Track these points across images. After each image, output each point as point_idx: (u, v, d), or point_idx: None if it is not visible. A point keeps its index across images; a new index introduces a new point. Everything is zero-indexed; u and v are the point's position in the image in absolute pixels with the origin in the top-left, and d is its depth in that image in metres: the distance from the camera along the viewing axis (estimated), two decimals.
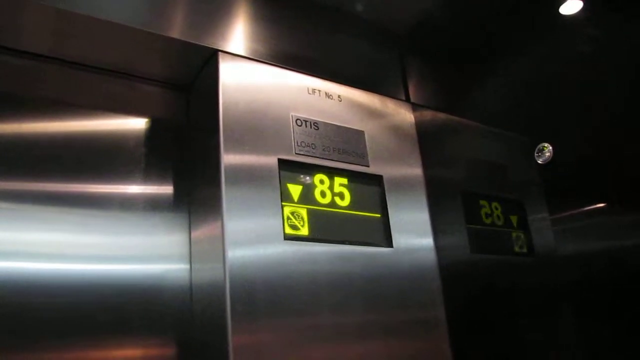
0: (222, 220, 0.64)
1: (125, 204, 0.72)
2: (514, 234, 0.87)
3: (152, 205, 0.74)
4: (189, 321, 0.70)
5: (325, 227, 0.72)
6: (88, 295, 0.65)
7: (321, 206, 0.73)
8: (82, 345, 0.64)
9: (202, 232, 0.71)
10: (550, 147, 0.70)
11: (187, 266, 0.73)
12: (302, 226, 0.70)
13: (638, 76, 0.62)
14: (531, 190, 0.79)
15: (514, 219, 0.87)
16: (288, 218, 0.69)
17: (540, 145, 0.71)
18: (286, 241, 0.67)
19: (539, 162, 0.71)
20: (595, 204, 0.67)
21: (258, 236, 0.66)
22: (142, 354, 0.67)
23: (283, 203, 0.69)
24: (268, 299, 0.64)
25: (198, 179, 0.74)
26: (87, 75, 0.75)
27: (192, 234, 0.74)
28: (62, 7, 0.64)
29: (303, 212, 0.71)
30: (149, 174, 0.75)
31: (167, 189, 0.76)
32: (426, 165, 0.85)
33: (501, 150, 0.85)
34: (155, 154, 0.76)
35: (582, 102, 0.68)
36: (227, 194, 0.65)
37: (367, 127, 0.82)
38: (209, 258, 0.67)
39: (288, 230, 0.68)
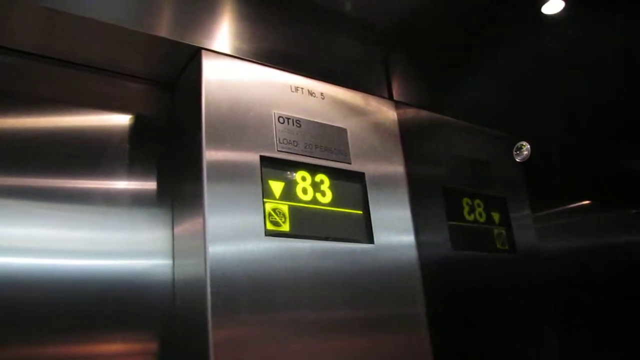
0: (203, 216, 0.65)
1: (110, 199, 0.72)
2: (496, 231, 0.87)
3: (136, 201, 0.74)
4: (171, 316, 0.71)
5: (307, 223, 0.73)
6: (71, 291, 0.66)
7: (303, 203, 0.74)
8: (65, 340, 0.64)
9: (185, 228, 0.71)
10: (528, 146, 0.71)
11: (170, 262, 0.73)
12: (284, 222, 0.71)
13: (618, 75, 0.63)
14: (513, 188, 0.80)
15: (496, 216, 0.88)
16: (270, 214, 0.70)
17: (518, 144, 0.72)
18: (267, 237, 0.68)
19: (517, 160, 0.72)
20: (578, 201, 0.68)
21: (239, 232, 0.66)
22: (125, 349, 0.68)
23: (265, 199, 0.70)
24: (249, 295, 0.64)
25: (181, 175, 0.74)
26: (72, 73, 0.75)
27: (175, 230, 0.74)
28: (50, 5, 0.64)
29: (285, 209, 0.71)
30: (133, 170, 0.75)
31: (150, 185, 0.76)
32: (408, 163, 0.86)
33: (483, 147, 0.86)
34: (140, 151, 0.77)
35: (563, 100, 0.69)
36: (208, 190, 0.66)
37: (350, 124, 0.83)
38: (190, 254, 0.68)
39: (270, 227, 0.69)
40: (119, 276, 0.69)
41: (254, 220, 0.68)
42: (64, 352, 0.64)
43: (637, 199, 0.61)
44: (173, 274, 0.73)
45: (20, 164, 0.68)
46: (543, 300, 0.72)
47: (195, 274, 0.65)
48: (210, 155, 0.68)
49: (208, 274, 0.62)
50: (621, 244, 0.63)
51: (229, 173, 0.68)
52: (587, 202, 0.67)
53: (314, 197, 0.75)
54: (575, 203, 0.68)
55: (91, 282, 0.67)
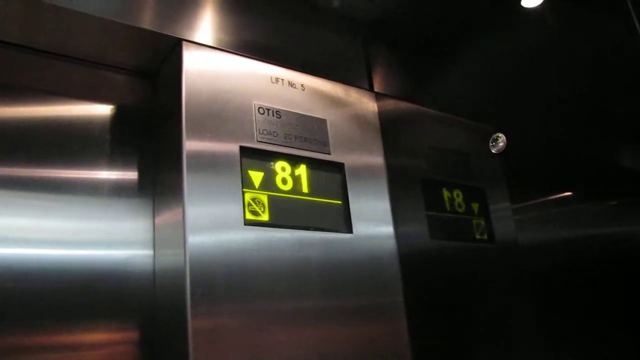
0: (183, 206, 0.66)
1: (91, 189, 0.73)
2: (474, 221, 0.88)
3: (117, 191, 0.75)
4: (152, 306, 0.71)
5: (286, 213, 0.74)
6: (52, 280, 0.66)
7: (282, 193, 0.74)
8: (46, 330, 0.65)
9: (165, 218, 0.72)
10: (504, 137, 0.72)
11: (151, 252, 0.74)
12: (263, 212, 0.71)
13: (596, 68, 0.64)
14: (493, 179, 0.81)
15: (475, 207, 0.89)
16: (249, 204, 0.70)
17: (494, 135, 0.73)
18: (247, 227, 0.69)
19: (493, 151, 0.72)
20: (557, 193, 0.68)
21: (219, 222, 0.67)
22: (106, 338, 0.69)
23: (244, 189, 0.71)
24: (228, 284, 0.65)
25: (162, 166, 0.75)
26: (54, 63, 0.76)
27: (156, 220, 0.75)
28: None
29: (264, 199, 0.72)
30: (114, 160, 0.76)
31: (132, 175, 0.77)
32: (388, 153, 0.87)
33: (463, 138, 0.86)
34: (121, 141, 0.77)
35: (542, 92, 0.70)
36: (188, 180, 0.67)
37: (330, 115, 0.83)
38: (171, 244, 0.69)
39: (249, 216, 0.70)
40: (100, 266, 0.70)
41: (233, 210, 0.69)
42: (46, 341, 0.65)
43: (616, 190, 0.62)
44: (154, 263, 0.73)
45: (1, 153, 0.68)
46: (521, 290, 0.73)
47: (175, 264, 0.66)
48: (190, 145, 0.69)
49: (187, 264, 0.63)
50: (601, 235, 0.64)
51: (209, 163, 0.69)
52: (566, 194, 0.68)
53: (294, 187, 0.76)
54: (554, 194, 0.69)
55: (72, 272, 0.68)
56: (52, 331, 0.65)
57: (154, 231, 0.75)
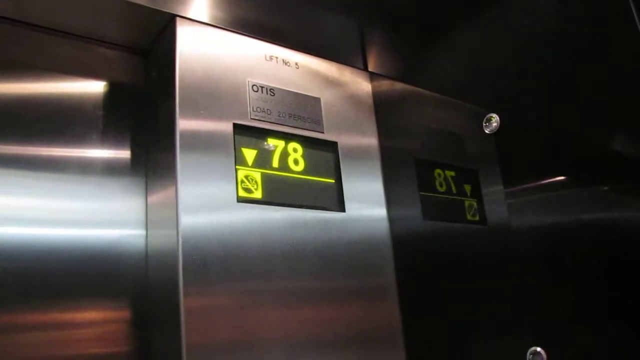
0: (176, 186, 0.66)
1: (83, 168, 0.72)
2: (467, 203, 0.88)
3: (109, 170, 0.74)
4: (144, 285, 0.71)
5: (279, 190, 0.74)
6: (44, 260, 0.66)
7: (275, 170, 0.74)
8: (38, 308, 0.65)
9: (158, 197, 0.72)
10: (497, 117, 0.72)
11: (143, 232, 0.74)
12: (256, 189, 0.71)
13: (592, 51, 0.64)
14: (486, 161, 0.81)
15: (467, 188, 0.89)
16: (242, 181, 0.70)
17: (487, 115, 0.73)
18: (239, 204, 0.69)
19: (487, 132, 0.72)
20: (550, 177, 0.69)
21: (211, 200, 0.67)
22: (99, 317, 0.69)
23: (237, 167, 0.71)
24: (221, 264, 0.65)
25: (154, 144, 0.75)
26: (46, 38, 0.75)
27: (149, 200, 0.75)
28: None
29: (257, 176, 0.72)
30: (106, 137, 0.75)
31: (124, 154, 0.76)
32: (381, 133, 0.87)
33: (456, 120, 0.86)
34: (113, 118, 0.77)
35: (536, 75, 0.69)
36: (181, 159, 0.67)
37: (324, 94, 0.83)
38: (163, 224, 0.69)
39: (241, 193, 0.70)
40: (92, 246, 0.70)
41: (226, 187, 0.69)
42: (37, 320, 0.65)
43: (609, 175, 0.62)
44: (146, 243, 0.73)
45: None
46: (513, 272, 0.73)
47: (168, 244, 0.66)
48: (184, 123, 0.68)
49: (180, 244, 0.63)
50: (593, 220, 0.64)
51: (202, 141, 0.69)
52: (559, 178, 0.68)
53: (287, 165, 0.76)
54: (547, 179, 0.69)
55: (64, 252, 0.67)
56: (43, 310, 0.65)
57: (146, 211, 0.74)
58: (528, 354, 0.66)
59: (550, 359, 0.64)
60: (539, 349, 0.65)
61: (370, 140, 0.86)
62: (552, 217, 0.68)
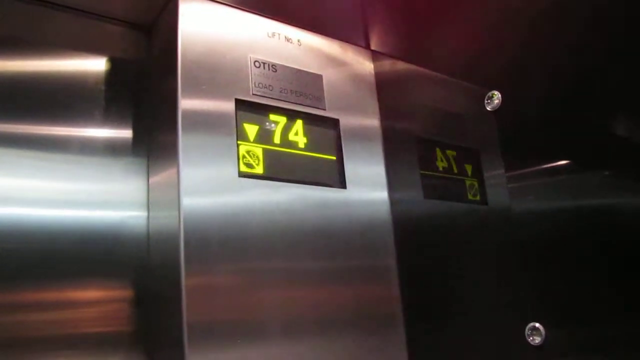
0: (178, 167, 0.66)
1: (84, 148, 0.72)
2: (467, 182, 0.88)
3: (111, 150, 0.74)
4: (146, 266, 0.72)
5: (281, 166, 0.74)
6: (46, 241, 0.66)
7: (277, 146, 0.75)
8: (41, 288, 0.65)
9: (160, 178, 0.72)
10: (499, 94, 0.72)
11: (145, 213, 0.74)
12: (257, 165, 0.72)
13: (597, 29, 0.63)
14: (487, 141, 0.81)
15: (468, 168, 0.89)
16: (243, 156, 0.71)
17: (489, 93, 0.73)
18: (241, 179, 0.69)
19: (488, 109, 0.72)
20: (551, 162, 0.68)
21: (213, 177, 0.67)
22: (101, 296, 0.69)
23: (239, 142, 0.71)
24: (221, 243, 0.65)
25: (157, 123, 0.75)
26: (47, 13, 0.75)
27: (150, 181, 0.75)
28: None
29: (258, 152, 0.72)
30: (108, 116, 0.75)
31: (126, 133, 0.76)
32: (383, 112, 0.87)
33: (458, 99, 0.86)
34: (115, 95, 0.76)
35: (539, 55, 0.69)
36: (183, 138, 0.67)
37: (326, 72, 0.83)
38: (165, 205, 0.69)
39: (243, 169, 0.70)
40: (95, 227, 0.70)
41: (228, 163, 0.69)
42: (39, 299, 0.65)
43: (610, 160, 0.62)
44: (148, 225, 0.73)
45: None
46: (513, 252, 0.73)
47: (170, 225, 0.66)
48: (186, 101, 0.68)
49: (182, 225, 0.63)
50: (594, 205, 0.64)
51: (204, 116, 0.69)
52: (560, 162, 0.68)
53: (288, 141, 0.76)
54: (548, 163, 0.69)
55: (66, 232, 0.68)
56: (45, 290, 0.65)
57: (148, 192, 0.75)
58: (527, 329, 0.67)
59: (548, 334, 0.65)
60: (537, 324, 0.66)
61: (372, 119, 0.86)
62: (553, 197, 0.68)
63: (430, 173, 0.87)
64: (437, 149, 0.88)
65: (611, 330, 0.60)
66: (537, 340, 0.65)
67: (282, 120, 0.76)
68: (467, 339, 0.79)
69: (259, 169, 0.71)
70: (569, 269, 0.64)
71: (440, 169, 0.88)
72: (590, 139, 0.63)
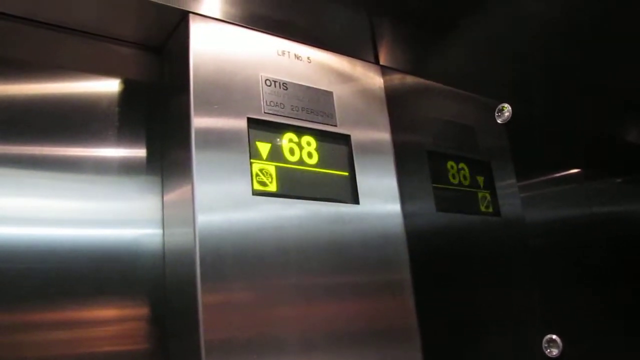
0: (192, 184, 0.66)
1: (99, 167, 0.73)
2: (480, 194, 0.88)
3: (125, 168, 0.74)
4: (162, 283, 0.72)
5: (294, 183, 0.74)
6: (62, 260, 0.66)
7: (290, 164, 0.75)
8: (57, 307, 0.65)
9: (174, 196, 0.72)
10: (510, 107, 0.72)
11: (160, 231, 0.74)
12: (271, 182, 0.72)
13: (606, 39, 0.63)
14: (499, 153, 0.81)
15: (480, 180, 0.89)
16: (257, 175, 0.71)
17: (499, 105, 0.73)
18: (254, 197, 0.69)
19: (499, 122, 0.73)
20: (563, 170, 0.68)
21: (227, 194, 0.67)
22: (117, 314, 0.69)
23: (252, 160, 0.71)
24: (237, 259, 0.66)
25: (170, 142, 0.75)
26: (60, 37, 0.75)
27: (165, 198, 0.75)
28: None
29: (272, 169, 0.73)
30: (122, 135, 0.75)
31: (140, 152, 0.77)
32: (394, 126, 0.87)
33: (468, 112, 0.86)
34: (129, 116, 0.77)
35: (547, 66, 0.69)
36: (197, 156, 0.67)
37: (336, 88, 0.84)
38: (180, 222, 0.69)
39: (257, 187, 0.70)
40: (109, 245, 0.70)
41: (242, 182, 0.69)
42: (57, 318, 0.65)
43: (622, 168, 0.62)
44: (163, 242, 0.73)
45: (7, 131, 0.68)
46: (528, 263, 0.73)
47: (185, 243, 0.66)
48: (199, 120, 0.69)
49: (197, 242, 0.64)
50: (607, 213, 0.64)
51: (217, 136, 0.69)
52: (572, 171, 0.68)
53: (301, 158, 0.76)
54: (560, 172, 0.69)
55: (82, 251, 0.68)
56: (62, 308, 0.65)
57: (162, 209, 0.75)
58: (544, 341, 0.66)
59: (566, 346, 0.64)
60: (554, 336, 0.65)
61: (383, 133, 0.86)
62: (566, 207, 0.68)
63: (443, 186, 0.88)
64: (449, 162, 0.89)
65: (629, 341, 0.60)
66: (555, 352, 0.65)
67: (294, 137, 0.77)
68: (484, 351, 0.79)
69: (272, 187, 0.72)
70: (584, 278, 0.64)
71: (453, 181, 0.88)
72: (601, 148, 0.63)
